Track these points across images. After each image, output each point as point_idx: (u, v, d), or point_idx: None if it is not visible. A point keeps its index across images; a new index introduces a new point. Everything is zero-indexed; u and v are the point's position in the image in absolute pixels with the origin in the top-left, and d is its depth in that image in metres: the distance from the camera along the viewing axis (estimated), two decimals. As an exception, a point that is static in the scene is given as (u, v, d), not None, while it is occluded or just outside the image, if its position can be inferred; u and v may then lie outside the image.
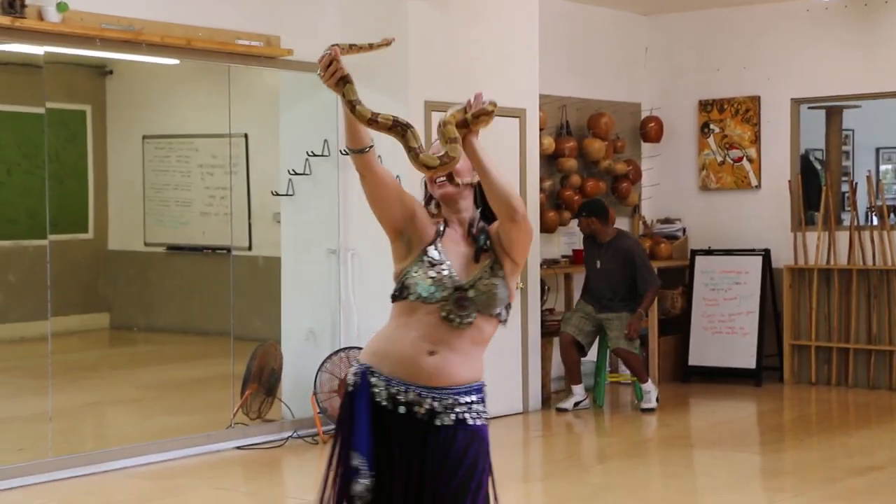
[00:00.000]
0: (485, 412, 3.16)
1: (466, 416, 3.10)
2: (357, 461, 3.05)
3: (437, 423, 3.07)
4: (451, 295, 3.07)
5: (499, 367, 8.25)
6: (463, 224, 3.17)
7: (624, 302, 8.54)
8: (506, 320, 3.17)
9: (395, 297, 3.13)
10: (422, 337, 3.08)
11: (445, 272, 3.09)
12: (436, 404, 3.08)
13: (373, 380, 3.11)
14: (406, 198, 3.18)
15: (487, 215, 3.14)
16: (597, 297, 8.61)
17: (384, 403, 3.09)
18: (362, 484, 3.05)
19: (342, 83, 3.06)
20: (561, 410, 8.53)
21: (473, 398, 3.12)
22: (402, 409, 3.08)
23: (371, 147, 3.11)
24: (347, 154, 3.18)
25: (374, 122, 3.02)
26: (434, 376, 3.08)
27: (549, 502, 6.27)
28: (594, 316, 8.59)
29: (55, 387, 6.94)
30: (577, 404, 8.58)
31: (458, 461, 3.08)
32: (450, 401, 3.09)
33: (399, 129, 3.00)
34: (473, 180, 3.16)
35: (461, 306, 3.07)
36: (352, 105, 3.03)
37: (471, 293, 3.08)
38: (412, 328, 3.09)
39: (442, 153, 2.97)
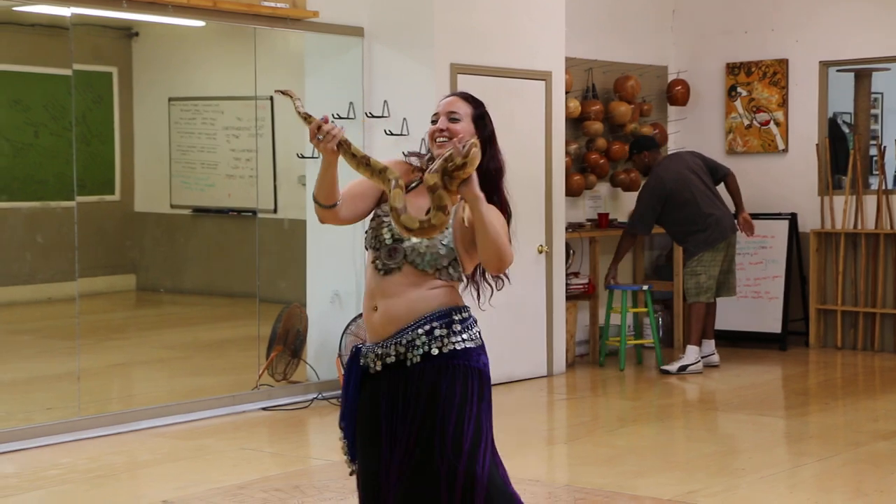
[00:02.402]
0: (459, 339, 3.16)
1: (430, 347, 3.13)
2: (342, 434, 3.25)
3: (408, 363, 3.14)
4: (386, 245, 3.17)
5: (523, 330, 8.27)
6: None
7: (694, 229, 8.51)
8: (458, 279, 3.19)
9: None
10: (369, 295, 3.20)
11: (385, 223, 3.19)
12: (400, 349, 3.14)
13: (362, 351, 3.24)
14: (368, 190, 3.26)
15: (484, 184, 3.13)
16: (713, 222, 8.57)
17: (370, 371, 3.20)
18: (346, 454, 3.25)
19: (342, 146, 3.07)
20: (665, 373, 8.55)
21: (432, 325, 3.14)
22: (378, 367, 3.18)
23: (338, 203, 3.19)
24: (315, 203, 3.20)
25: (365, 163, 3.05)
26: (383, 327, 3.16)
27: (572, 464, 6.28)
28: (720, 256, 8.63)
29: (83, 347, 6.99)
30: (684, 367, 8.58)
31: (432, 395, 3.12)
32: (406, 339, 3.14)
33: (387, 181, 3.02)
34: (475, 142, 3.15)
35: (390, 256, 3.16)
36: (365, 160, 3.05)
37: (405, 244, 3.15)
38: (366, 290, 3.23)
39: (426, 217, 2.97)
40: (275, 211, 9.69)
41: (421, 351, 3.14)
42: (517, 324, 8.22)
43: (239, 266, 10.18)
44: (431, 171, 2.98)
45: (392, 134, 7.69)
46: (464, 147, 3.02)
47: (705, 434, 6.90)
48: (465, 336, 3.17)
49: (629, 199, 9.44)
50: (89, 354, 7.40)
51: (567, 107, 8.85)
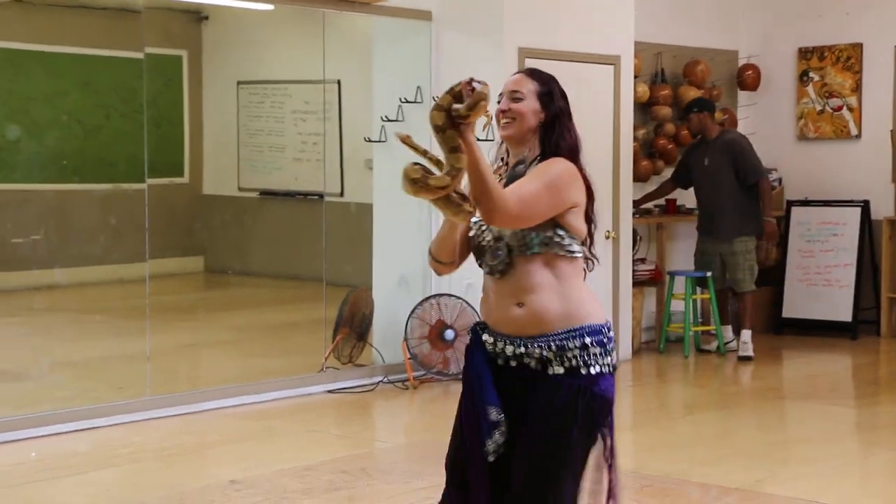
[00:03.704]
0: (588, 360, 3.01)
1: (574, 361, 3.02)
2: (494, 415, 3.03)
3: (549, 371, 3.02)
4: (490, 247, 3.08)
5: None
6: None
7: (737, 215, 8.54)
8: (573, 253, 3.05)
9: None
10: (496, 294, 3.09)
11: (480, 227, 3.12)
12: (547, 354, 3.02)
13: (484, 336, 3.13)
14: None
15: (552, 154, 3.09)
16: (709, 216, 8.63)
17: (495, 358, 3.11)
18: (500, 434, 3.03)
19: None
20: (703, 351, 8.75)
21: (584, 341, 3.01)
22: (500, 362, 3.09)
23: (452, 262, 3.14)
24: (431, 258, 3.15)
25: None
26: (528, 325, 3.04)
27: (638, 451, 6.26)
28: (715, 249, 8.65)
29: (153, 328, 7.06)
30: (722, 346, 8.68)
31: (559, 417, 2.99)
32: (556, 344, 3.02)
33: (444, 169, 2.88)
34: (535, 122, 3.12)
35: (494, 256, 3.07)
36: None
37: (504, 240, 3.06)
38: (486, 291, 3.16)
39: (447, 169, 2.85)
40: (341, 194, 9.72)
41: (567, 364, 3.01)
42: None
43: (305, 249, 10.19)
44: (436, 108, 2.85)
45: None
46: (473, 90, 2.84)
47: (773, 422, 6.86)
48: (609, 357, 3.06)
49: (697, 186, 9.34)
50: (159, 335, 7.42)
51: (635, 91, 8.77)
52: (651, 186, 9.40)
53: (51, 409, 6.38)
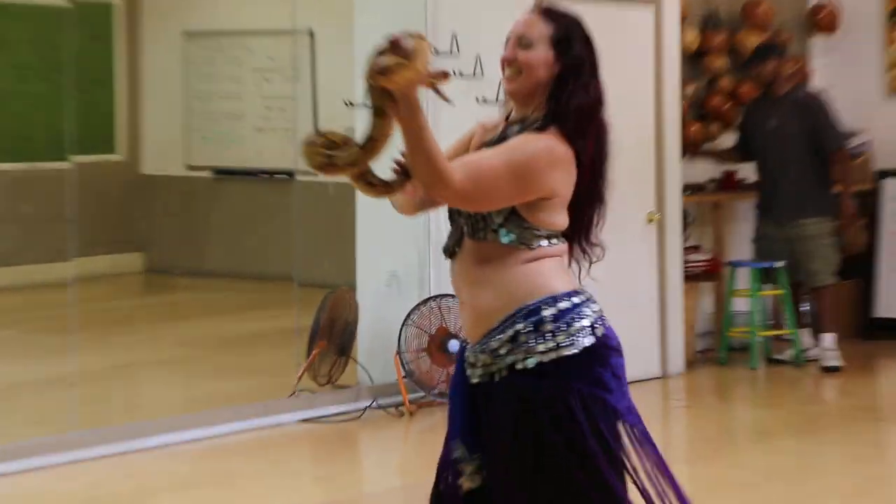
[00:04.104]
0: (545, 344, 3.03)
1: (510, 358, 3.06)
2: (457, 453, 3.15)
3: (495, 378, 3.11)
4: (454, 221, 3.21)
5: (630, 319, 8.17)
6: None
7: (807, 191, 8.54)
8: (521, 243, 3.09)
9: None
10: (455, 288, 3.22)
11: None
12: (485, 359, 3.11)
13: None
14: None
15: (557, 116, 3.12)
16: (771, 191, 8.64)
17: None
18: (469, 474, 3.14)
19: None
20: (775, 362, 8.72)
21: (516, 329, 3.05)
22: (475, 379, 3.18)
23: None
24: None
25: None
26: (472, 327, 3.14)
27: (698, 492, 6.11)
28: (779, 234, 8.65)
29: (79, 344, 7.00)
30: (799, 354, 8.67)
31: (501, 426, 3.07)
32: (491, 346, 3.09)
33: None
34: (547, 75, 3.15)
35: (451, 234, 3.19)
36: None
37: (462, 217, 3.16)
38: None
39: (364, 139, 3.03)
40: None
41: (505, 362, 3.07)
42: (622, 312, 7.97)
43: (272, 241, 10.20)
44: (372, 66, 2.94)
45: (462, 75, 7.64)
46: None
47: (870, 451, 6.83)
48: (560, 339, 3.04)
49: (762, 154, 9.27)
50: (87, 353, 7.42)
51: (683, 39, 8.76)
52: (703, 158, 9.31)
53: (-52, 451, 6.40)
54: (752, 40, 9.39)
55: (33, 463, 6.34)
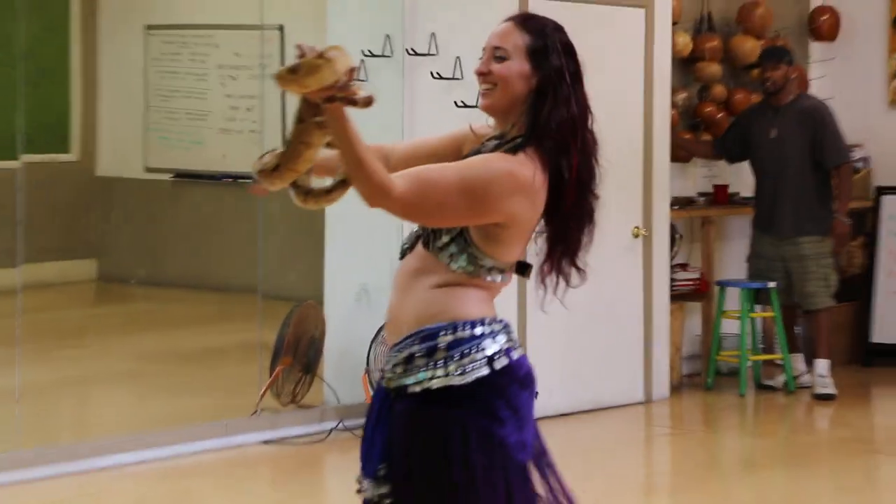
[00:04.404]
0: (434, 371, 3.05)
1: (401, 379, 3.10)
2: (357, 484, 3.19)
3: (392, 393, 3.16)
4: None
5: (613, 341, 8.25)
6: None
7: (808, 206, 8.56)
8: (459, 268, 3.09)
9: None
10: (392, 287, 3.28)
11: None
12: (386, 371, 3.16)
13: None
14: (441, 152, 3.29)
15: (535, 134, 3.10)
16: (770, 206, 8.65)
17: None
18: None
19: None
20: (765, 388, 8.72)
21: (412, 351, 3.09)
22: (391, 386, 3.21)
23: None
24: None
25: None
26: (389, 333, 3.18)
27: (680, 525, 6.24)
28: (776, 252, 8.66)
29: (25, 357, 6.97)
30: (791, 381, 8.66)
31: (399, 453, 3.09)
32: (393, 359, 3.13)
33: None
34: (524, 89, 3.13)
35: (410, 235, 3.23)
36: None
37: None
38: None
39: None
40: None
41: (397, 382, 3.11)
42: (605, 333, 8.20)
43: (235, 251, 10.15)
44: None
45: (441, 77, 7.66)
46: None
47: (861, 483, 6.84)
48: (451, 368, 3.05)
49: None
50: (33, 366, 7.41)
51: (674, 43, 8.78)
52: (694, 169, 9.41)
53: None
54: (747, 46, 9.40)
55: (-26, 482, 6.36)
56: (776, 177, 8.66)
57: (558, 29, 3.16)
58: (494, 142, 3.14)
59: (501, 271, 3.11)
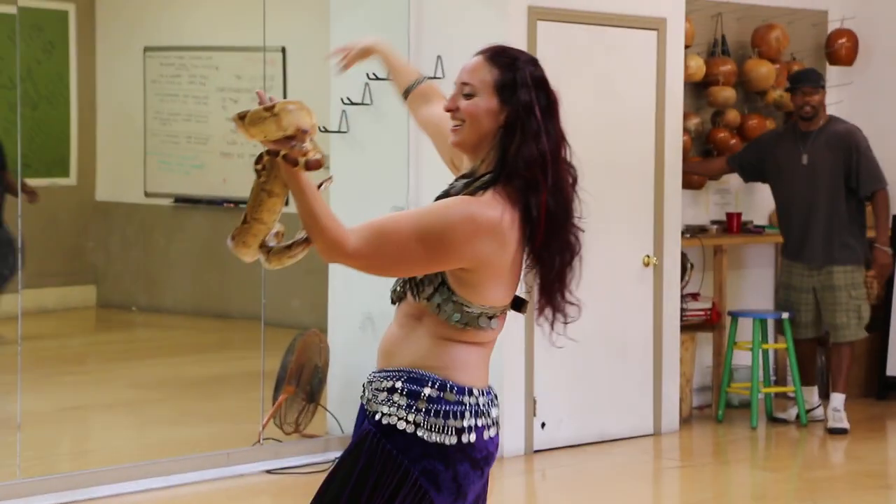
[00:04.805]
0: (410, 415, 3.17)
1: (379, 407, 3.22)
2: None
3: (367, 413, 3.30)
4: None
5: (622, 371, 8.28)
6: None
7: (841, 235, 8.60)
8: (449, 319, 3.17)
9: None
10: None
11: None
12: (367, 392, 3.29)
13: None
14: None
15: (504, 171, 3.15)
16: (801, 235, 8.68)
17: None
18: None
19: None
20: (777, 421, 8.77)
21: (395, 384, 3.20)
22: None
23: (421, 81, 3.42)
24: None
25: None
26: (378, 354, 3.31)
27: (689, 559, 6.27)
28: (807, 283, 8.70)
29: (25, 384, 6.97)
30: (803, 414, 8.70)
31: (341, 460, 3.27)
32: (375, 385, 3.25)
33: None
34: (492, 125, 3.17)
35: (396, 283, 3.31)
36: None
37: None
38: None
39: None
40: (287, 202, 9.76)
41: (374, 408, 3.22)
42: (614, 363, 8.23)
43: (237, 277, 10.12)
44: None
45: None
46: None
47: None
48: (423, 420, 3.16)
49: (768, 194, 9.36)
50: (34, 394, 7.41)
51: (687, 67, 8.81)
52: (706, 196, 9.42)
53: None
54: (762, 70, 9.30)
55: (-27, 512, 6.37)
56: (807, 204, 8.66)
57: (530, 62, 3.18)
58: (463, 181, 3.20)
59: (492, 317, 3.17)
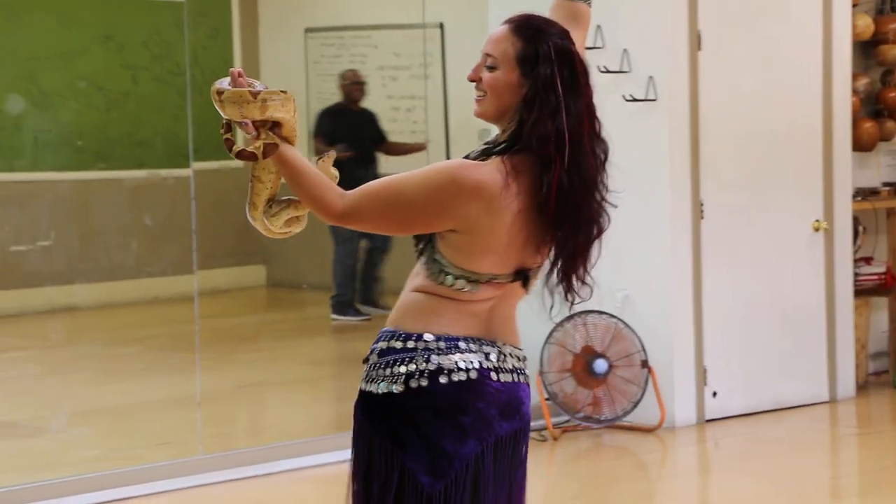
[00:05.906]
0: (380, 376, 3.08)
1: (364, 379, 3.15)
2: None
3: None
4: None
5: (795, 339, 8.26)
6: None
7: None
8: (428, 272, 3.10)
9: None
10: None
11: None
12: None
13: None
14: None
15: (516, 144, 3.08)
16: None
17: None
18: None
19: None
20: None
21: (372, 347, 3.13)
22: None
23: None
24: None
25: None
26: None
27: (869, 527, 6.25)
28: None
29: (204, 362, 7.12)
30: None
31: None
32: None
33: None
34: (513, 98, 3.09)
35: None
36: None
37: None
38: None
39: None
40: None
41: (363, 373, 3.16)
42: (787, 331, 8.21)
43: (407, 251, 10.24)
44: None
45: (608, 71, 7.71)
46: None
47: None
48: (375, 373, 3.10)
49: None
50: (212, 372, 7.48)
51: (854, 26, 8.72)
52: (877, 158, 9.31)
53: (72, 474, 6.48)
54: None
55: (158, 487, 6.49)
56: None
57: (555, 36, 3.07)
58: (483, 147, 3.14)
59: (471, 281, 3.04)
